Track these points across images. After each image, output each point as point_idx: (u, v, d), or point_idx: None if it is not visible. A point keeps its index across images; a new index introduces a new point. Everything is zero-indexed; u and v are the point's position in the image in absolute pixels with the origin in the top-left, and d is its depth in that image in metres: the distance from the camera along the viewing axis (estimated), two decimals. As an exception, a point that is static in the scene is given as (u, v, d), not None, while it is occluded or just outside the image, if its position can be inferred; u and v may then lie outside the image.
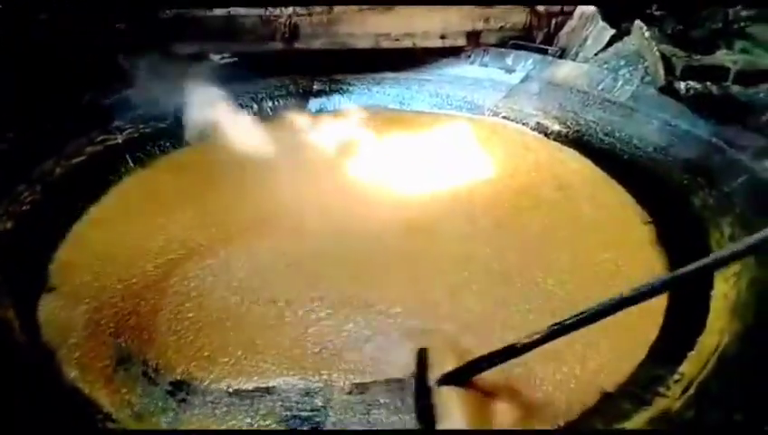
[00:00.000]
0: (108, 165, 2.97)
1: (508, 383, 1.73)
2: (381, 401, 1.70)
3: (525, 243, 2.40)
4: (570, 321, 1.51)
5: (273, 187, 2.74)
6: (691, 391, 1.57)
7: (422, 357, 1.81)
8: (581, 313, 1.49)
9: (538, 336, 1.54)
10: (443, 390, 1.68)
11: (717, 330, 1.77)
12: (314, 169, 2.95)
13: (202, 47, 3.45)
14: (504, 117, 3.56)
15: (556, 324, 1.52)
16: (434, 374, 1.73)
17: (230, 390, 1.74)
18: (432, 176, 2.91)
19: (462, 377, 1.69)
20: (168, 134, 3.31)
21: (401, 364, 1.81)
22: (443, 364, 1.74)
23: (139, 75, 3.31)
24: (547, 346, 1.57)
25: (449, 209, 2.64)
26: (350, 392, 1.73)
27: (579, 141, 3.18)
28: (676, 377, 1.65)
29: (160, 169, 3.09)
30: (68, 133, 2.95)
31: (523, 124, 3.45)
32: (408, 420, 1.64)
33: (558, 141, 3.25)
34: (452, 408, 1.62)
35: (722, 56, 3.18)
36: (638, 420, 1.55)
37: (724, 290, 1.93)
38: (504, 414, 1.66)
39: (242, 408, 1.69)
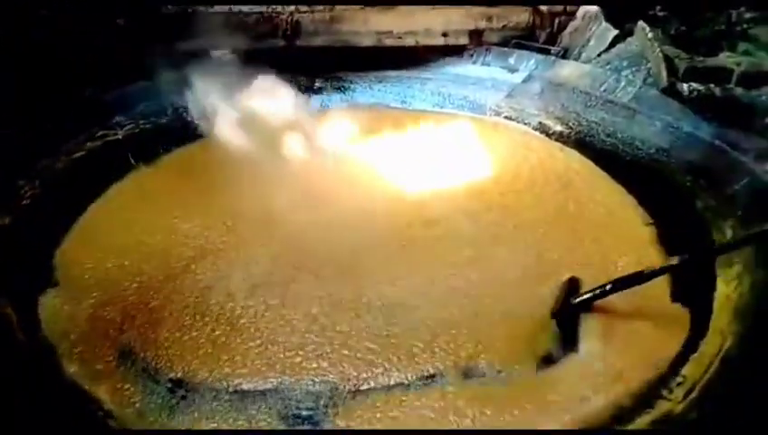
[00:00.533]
0: (108, 160, 2.95)
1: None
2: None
3: (525, 242, 2.40)
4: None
5: (275, 184, 2.72)
6: (694, 393, 1.57)
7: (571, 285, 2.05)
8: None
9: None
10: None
11: (719, 332, 1.77)
12: (315, 167, 2.93)
13: (203, 43, 3.43)
14: (505, 116, 3.55)
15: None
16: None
17: (232, 388, 1.74)
18: (433, 175, 2.91)
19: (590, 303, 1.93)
20: (168, 130, 3.30)
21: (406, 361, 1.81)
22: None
23: (140, 71, 3.30)
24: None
25: (449, 208, 2.64)
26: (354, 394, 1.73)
27: (581, 142, 3.17)
28: (679, 380, 1.64)
29: (162, 165, 3.07)
30: (68, 129, 2.95)
31: (525, 124, 3.44)
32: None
33: (560, 142, 3.24)
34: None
35: (725, 58, 3.18)
36: (641, 423, 1.55)
37: (727, 292, 1.93)
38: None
39: (243, 405, 1.68)
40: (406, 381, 1.76)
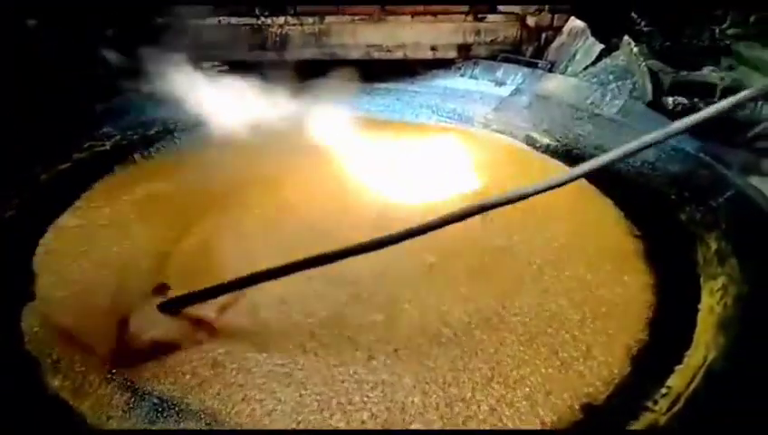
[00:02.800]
0: (94, 171, 2.94)
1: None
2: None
3: (510, 254, 2.39)
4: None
5: (260, 195, 2.74)
6: (679, 405, 1.57)
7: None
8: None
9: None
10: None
11: (704, 344, 1.78)
12: (303, 178, 2.94)
13: (192, 55, 3.43)
14: (493, 129, 3.57)
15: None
16: None
17: (220, 402, 1.71)
18: (420, 187, 2.91)
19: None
20: (156, 141, 3.30)
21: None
22: None
23: (129, 82, 3.31)
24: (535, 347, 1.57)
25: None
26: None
27: (567, 154, 3.19)
28: (664, 391, 1.65)
29: (147, 175, 3.06)
30: (55, 139, 2.94)
31: (513, 136, 3.46)
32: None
33: (546, 154, 3.26)
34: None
35: (709, 73, 3.23)
36: (626, 434, 1.55)
37: (711, 304, 1.94)
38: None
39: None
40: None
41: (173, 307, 1.91)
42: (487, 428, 1.62)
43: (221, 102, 3.28)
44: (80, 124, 3.13)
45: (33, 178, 2.74)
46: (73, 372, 1.81)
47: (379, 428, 1.63)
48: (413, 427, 1.63)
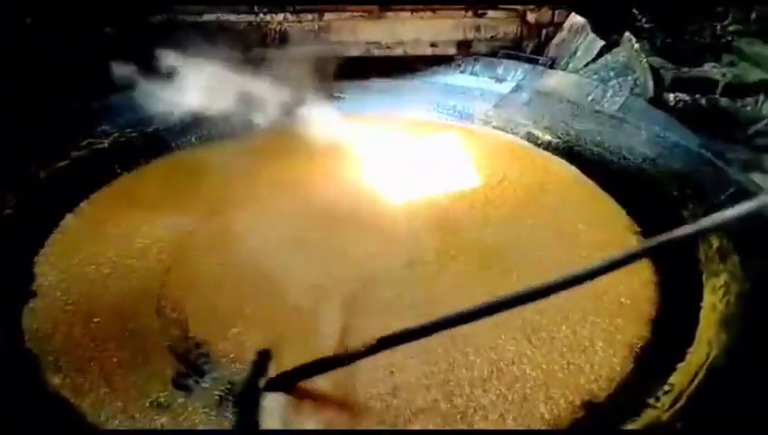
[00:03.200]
0: (93, 169, 2.94)
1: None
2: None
3: (511, 250, 2.39)
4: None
5: (260, 193, 2.73)
6: (681, 402, 1.57)
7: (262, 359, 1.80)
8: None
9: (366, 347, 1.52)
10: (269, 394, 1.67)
11: (707, 341, 1.77)
12: (302, 175, 2.93)
13: (190, 52, 3.42)
14: (493, 126, 3.56)
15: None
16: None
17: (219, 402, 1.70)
18: (420, 183, 2.90)
19: (288, 382, 1.68)
20: (154, 139, 3.29)
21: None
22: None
23: (127, 80, 3.30)
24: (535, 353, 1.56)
25: (434, 216, 2.63)
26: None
27: (568, 151, 3.18)
28: (666, 388, 1.64)
29: (147, 173, 3.06)
30: (53, 137, 2.93)
31: (513, 133, 3.45)
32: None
33: (548, 151, 3.25)
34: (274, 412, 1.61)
35: (710, 69, 3.22)
36: (628, 432, 1.54)
37: (713, 301, 1.93)
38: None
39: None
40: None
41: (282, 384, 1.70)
42: (487, 425, 1.62)
43: (220, 100, 3.27)
44: (78, 122, 3.11)
45: (32, 176, 2.72)
46: (73, 370, 1.80)
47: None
48: (412, 425, 1.63)
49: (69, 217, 2.60)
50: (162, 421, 1.63)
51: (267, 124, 3.23)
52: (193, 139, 3.37)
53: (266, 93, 3.30)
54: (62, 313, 2.03)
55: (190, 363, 1.83)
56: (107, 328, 1.96)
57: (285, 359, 1.77)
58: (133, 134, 3.26)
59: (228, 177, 2.87)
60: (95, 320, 2.00)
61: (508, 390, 1.73)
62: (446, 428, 1.62)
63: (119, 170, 3.00)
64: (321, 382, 1.69)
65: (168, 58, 3.30)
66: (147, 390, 1.73)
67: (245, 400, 1.67)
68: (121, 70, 3.13)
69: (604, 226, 2.56)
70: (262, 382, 1.70)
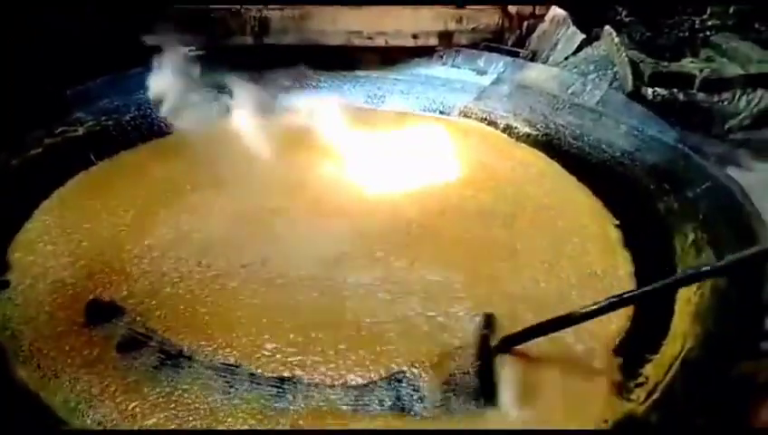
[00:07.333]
0: (67, 157, 2.88)
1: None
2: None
3: (491, 242, 2.40)
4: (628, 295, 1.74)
5: (237, 182, 2.70)
6: (656, 395, 1.58)
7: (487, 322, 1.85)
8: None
9: (595, 307, 1.63)
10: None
11: (681, 334, 1.79)
12: (281, 165, 2.90)
13: (169, 39, 3.36)
14: (474, 118, 3.55)
15: (614, 297, 1.66)
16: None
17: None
18: (399, 175, 2.90)
19: (515, 343, 1.73)
20: (130, 127, 3.23)
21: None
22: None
23: (103, 66, 3.24)
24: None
25: (415, 207, 2.63)
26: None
27: (548, 144, 3.18)
28: (641, 380, 1.66)
29: (122, 162, 3.01)
30: (26, 124, 2.86)
31: (493, 126, 3.45)
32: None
33: (527, 144, 3.25)
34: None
35: (688, 64, 3.24)
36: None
37: (688, 294, 1.95)
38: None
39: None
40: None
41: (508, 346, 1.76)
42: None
43: (197, 89, 3.23)
44: (52, 109, 3.04)
45: (4, 164, 2.66)
46: (44, 363, 1.77)
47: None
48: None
49: (42, 207, 2.55)
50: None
51: (246, 112, 3.19)
52: (167, 127, 3.30)
53: (241, 82, 3.27)
54: (36, 303, 2.00)
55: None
56: (80, 319, 1.93)
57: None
58: (109, 122, 3.20)
59: (206, 166, 2.83)
60: (68, 310, 1.97)
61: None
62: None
63: (93, 159, 2.94)
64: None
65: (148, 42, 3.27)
66: (119, 382, 1.70)
67: (484, 361, 1.71)
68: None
69: (582, 218, 2.57)
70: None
